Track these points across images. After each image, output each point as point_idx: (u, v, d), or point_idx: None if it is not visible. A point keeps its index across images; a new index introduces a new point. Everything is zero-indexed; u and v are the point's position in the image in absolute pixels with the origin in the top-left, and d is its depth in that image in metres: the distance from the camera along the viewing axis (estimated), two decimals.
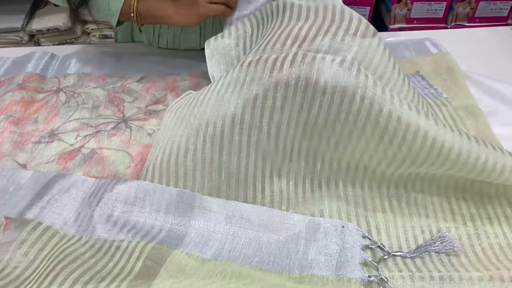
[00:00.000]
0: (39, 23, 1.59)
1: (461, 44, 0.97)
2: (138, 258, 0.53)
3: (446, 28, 1.60)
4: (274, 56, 0.58)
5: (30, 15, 1.62)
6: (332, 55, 0.56)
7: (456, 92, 0.79)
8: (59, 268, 0.52)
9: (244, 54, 0.72)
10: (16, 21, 1.56)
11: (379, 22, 1.69)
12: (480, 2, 1.54)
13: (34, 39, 1.63)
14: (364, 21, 0.63)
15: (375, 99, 0.53)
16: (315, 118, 0.56)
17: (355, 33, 0.60)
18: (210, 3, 0.75)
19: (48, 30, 1.59)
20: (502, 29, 1.04)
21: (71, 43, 1.64)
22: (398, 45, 0.94)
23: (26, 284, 0.51)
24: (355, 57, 0.57)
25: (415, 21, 1.61)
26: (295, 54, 0.56)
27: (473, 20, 1.58)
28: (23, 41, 1.59)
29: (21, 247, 0.55)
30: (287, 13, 0.66)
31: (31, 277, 0.52)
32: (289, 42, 0.60)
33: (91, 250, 0.55)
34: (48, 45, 1.62)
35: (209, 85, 0.66)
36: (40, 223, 0.58)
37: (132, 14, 0.80)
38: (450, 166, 0.55)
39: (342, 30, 0.60)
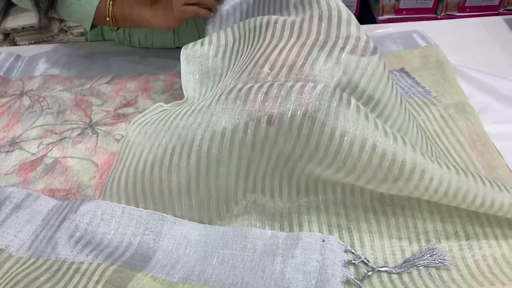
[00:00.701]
0: (14, 21, 1.53)
1: (452, 35, 0.92)
2: (98, 282, 0.48)
3: (437, 18, 1.55)
4: (248, 85, 0.52)
5: (4, 13, 1.56)
6: (313, 82, 0.50)
7: (446, 88, 0.74)
8: None
9: (222, 66, 0.66)
10: None
11: (368, 14, 1.63)
12: None
13: (9, 38, 1.56)
14: (354, 33, 0.55)
15: (356, 134, 0.48)
16: (290, 152, 0.51)
17: (342, 50, 0.53)
18: (185, 4, 0.70)
19: (23, 28, 1.53)
20: (493, 19, 1.00)
21: (48, 41, 1.57)
22: (384, 38, 0.89)
23: None
24: (339, 83, 0.51)
25: (404, 12, 1.56)
26: (271, 86, 0.51)
27: (464, 9, 1.54)
28: None
29: None
30: (270, 31, 0.60)
31: None
32: (266, 69, 0.54)
33: (47, 274, 0.50)
34: (25, 44, 1.56)
35: (181, 106, 0.61)
36: None
37: (107, 19, 0.76)
38: (441, 199, 0.51)
39: (326, 51, 0.53)
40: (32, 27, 1.52)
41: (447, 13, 1.54)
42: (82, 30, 1.56)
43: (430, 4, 1.53)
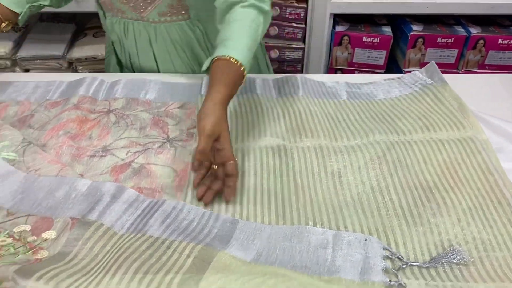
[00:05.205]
0: (79, 52, 1.72)
1: (471, 88, 1.06)
2: (188, 256, 0.61)
3: (458, 73, 1.70)
4: None
5: (70, 45, 1.76)
6: None
7: (466, 125, 0.87)
8: (121, 260, 0.60)
9: None
10: (58, 49, 1.69)
11: (395, 65, 1.79)
12: (490, 51, 1.64)
13: (72, 66, 1.75)
14: None
15: None
16: None
17: None
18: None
19: (86, 58, 1.72)
20: (510, 76, 1.14)
21: (104, 71, 1.75)
22: None
23: (92, 273, 0.59)
24: None
25: None
26: None
27: (483, 67, 1.68)
28: (63, 68, 1.72)
29: (87, 243, 0.64)
30: None
31: (96, 268, 0.60)
32: None
33: (146, 243, 0.63)
34: (85, 72, 1.74)
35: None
36: (102, 224, 0.67)
37: None
38: None
39: None
40: (94, 58, 1.71)
41: (468, 69, 1.69)
42: None
43: (452, 60, 1.69)
